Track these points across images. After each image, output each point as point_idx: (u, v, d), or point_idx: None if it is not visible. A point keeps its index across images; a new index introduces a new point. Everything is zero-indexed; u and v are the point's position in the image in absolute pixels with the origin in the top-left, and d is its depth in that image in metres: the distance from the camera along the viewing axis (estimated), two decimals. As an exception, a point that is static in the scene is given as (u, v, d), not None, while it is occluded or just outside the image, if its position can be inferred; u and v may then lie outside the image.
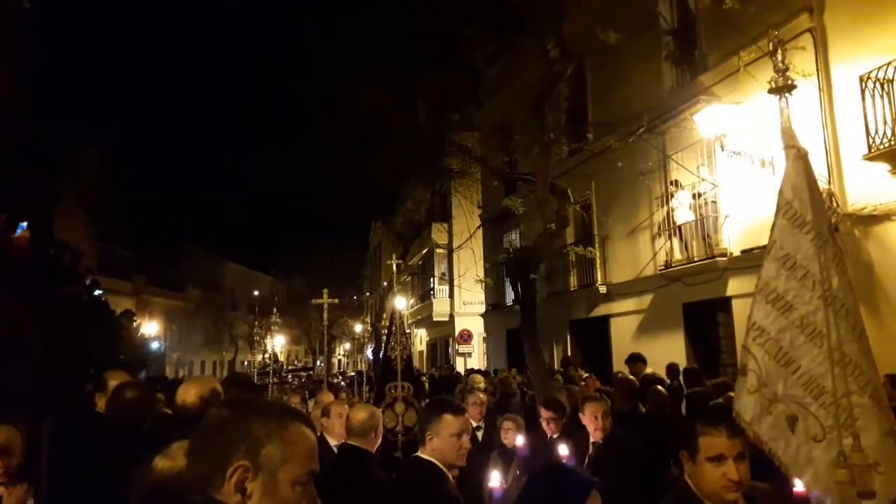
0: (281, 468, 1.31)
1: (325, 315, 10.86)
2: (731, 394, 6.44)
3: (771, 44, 2.71)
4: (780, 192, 2.51)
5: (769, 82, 2.65)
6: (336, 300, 11.36)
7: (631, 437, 4.90)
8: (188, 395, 3.26)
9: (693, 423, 2.48)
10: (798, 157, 2.50)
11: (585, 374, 10.57)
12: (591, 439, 4.74)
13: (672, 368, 9.54)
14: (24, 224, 6.19)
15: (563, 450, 4.25)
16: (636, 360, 9.73)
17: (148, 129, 79.59)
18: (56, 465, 3.63)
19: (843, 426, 2.19)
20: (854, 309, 2.34)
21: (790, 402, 2.31)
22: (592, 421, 4.68)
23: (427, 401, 3.99)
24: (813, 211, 2.42)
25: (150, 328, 31.79)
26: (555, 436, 5.07)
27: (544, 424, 5.23)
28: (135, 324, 21.06)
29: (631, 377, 8.15)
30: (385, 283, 36.93)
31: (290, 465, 1.33)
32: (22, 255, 5.96)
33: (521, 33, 11.93)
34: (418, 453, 3.10)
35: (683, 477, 2.45)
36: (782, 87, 2.60)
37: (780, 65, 2.63)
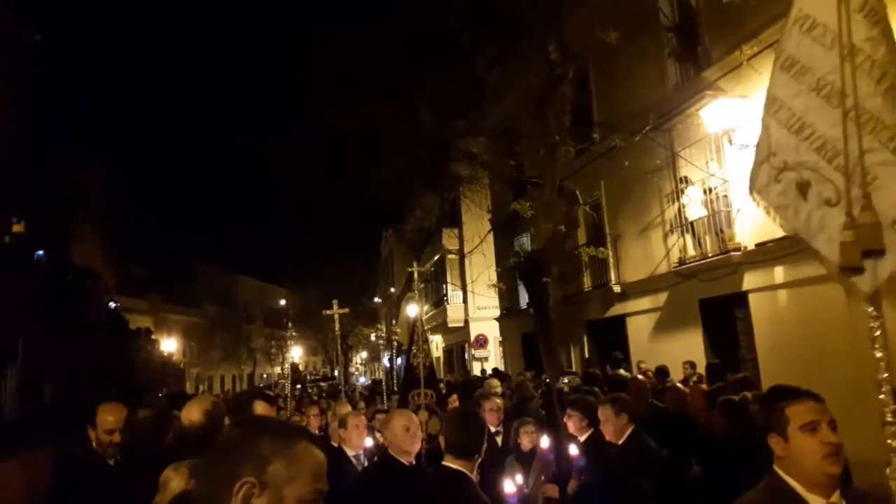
0: (287, 486, 1.36)
1: (337, 325, 11.06)
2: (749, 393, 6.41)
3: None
4: None
5: None
6: (347, 310, 11.46)
7: (650, 438, 4.82)
8: (192, 413, 3.38)
9: (775, 402, 2.33)
10: None
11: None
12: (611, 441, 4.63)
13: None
14: (41, 252, 6.27)
15: (573, 450, 4.20)
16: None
17: (156, 146, 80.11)
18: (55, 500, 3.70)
19: (858, 185, 2.06)
20: (885, 62, 2.10)
21: (802, 169, 2.21)
22: (605, 423, 4.59)
23: (464, 414, 3.96)
24: None
25: (168, 345, 32.08)
26: (579, 436, 4.90)
27: (566, 420, 5.06)
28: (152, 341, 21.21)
29: (641, 377, 8.16)
30: (393, 289, 36.96)
31: (297, 484, 1.37)
32: (41, 280, 6.05)
33: (522, 37, 11.97)
34: (448, 463, 3.14)
35: (773, 466, 2.26)
36: None
37: None
